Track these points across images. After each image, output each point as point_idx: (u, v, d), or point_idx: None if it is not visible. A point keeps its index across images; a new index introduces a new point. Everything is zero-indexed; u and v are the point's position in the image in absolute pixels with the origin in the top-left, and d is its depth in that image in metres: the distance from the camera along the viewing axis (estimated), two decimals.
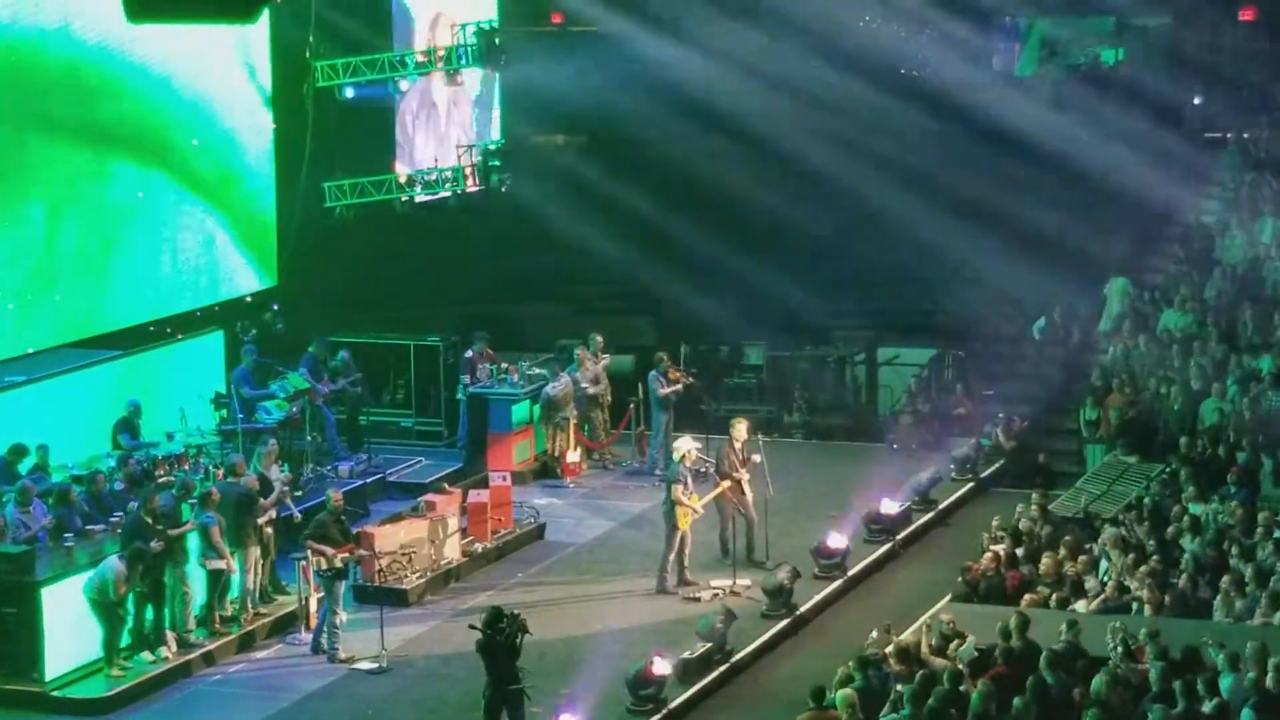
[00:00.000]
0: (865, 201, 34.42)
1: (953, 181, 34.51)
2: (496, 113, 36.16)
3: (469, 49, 33.45)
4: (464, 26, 33.58)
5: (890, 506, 27.01)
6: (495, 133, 35.92)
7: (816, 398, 33.97)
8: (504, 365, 30.79)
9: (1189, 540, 22.82)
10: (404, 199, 33.28)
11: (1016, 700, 17.65)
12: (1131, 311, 32.05)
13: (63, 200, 27.77)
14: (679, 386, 30.06)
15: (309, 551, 23.37)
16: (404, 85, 33.69)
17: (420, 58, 33.64)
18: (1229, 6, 39.92)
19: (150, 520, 22.62)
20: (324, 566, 23.17)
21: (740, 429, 26.06)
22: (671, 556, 25.07)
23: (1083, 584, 21.82)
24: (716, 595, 24.67)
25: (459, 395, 30.88)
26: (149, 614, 22.89)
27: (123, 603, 22.23)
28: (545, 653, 22.10)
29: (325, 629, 23.15)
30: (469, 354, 30.84)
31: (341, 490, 25.01)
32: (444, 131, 34.68)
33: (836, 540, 25.51)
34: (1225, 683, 18.11)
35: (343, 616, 23.19)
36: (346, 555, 23.37)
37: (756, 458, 25.82)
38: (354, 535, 24.19)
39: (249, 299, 31.67)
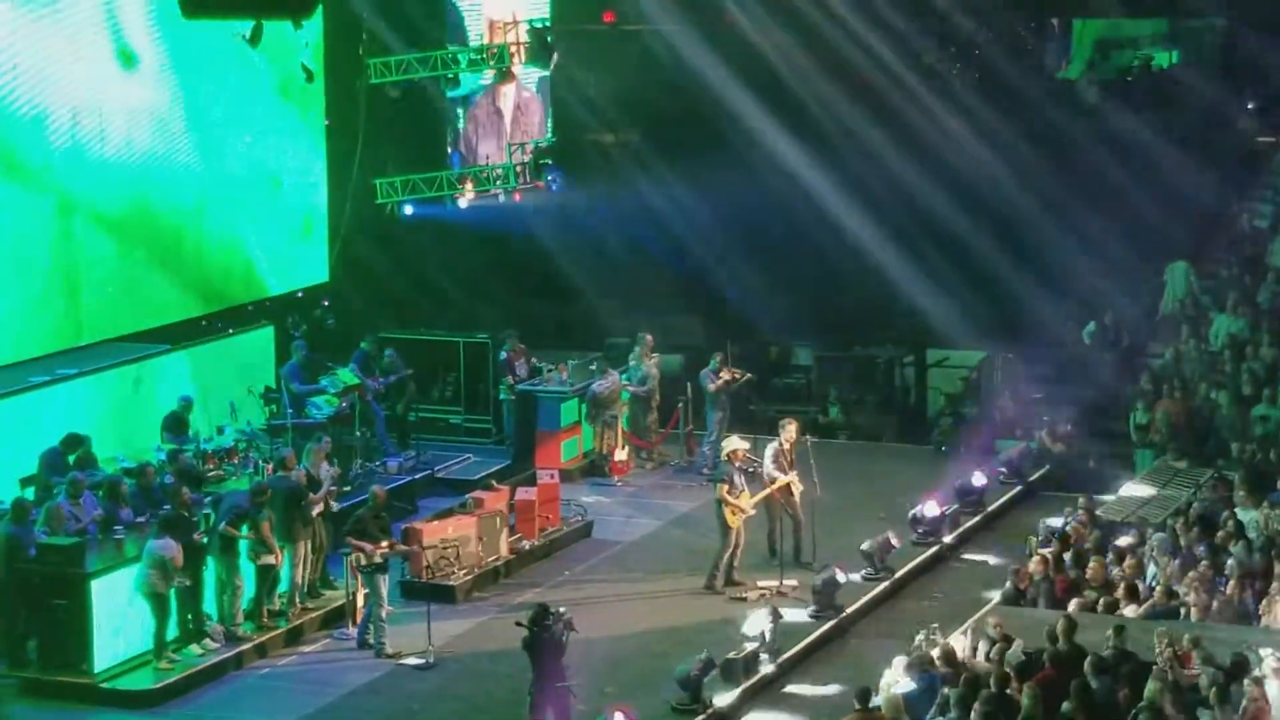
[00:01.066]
0: (918, 201, 34.35)
1: (1004, 183, 34.34)
2: (548, 111, 36.24)
3: (521, 47, 33.52)
4: (516, 25, 33.65)
5: (933, 509, 26.97)
6: (546, 131, 36.01)
7: (863, 398, 33.91)
8: (534, 361, 30.89)
9: (1236, 545, 22.72)
10: (455, 196, 33.39)
11: (1065, 705, 17.61)
12: (1184, 316, 31.93)
13: (114, 196, 27.94)
14: (723, 382, 29.97)
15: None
16: (464, 88, 33.84)
17: (472, 55, 33.74)
18: None
19: (186, 514, 22.77)
20: (363, 562, 23.26)
21: (790, 430, 26.07)
22: (726, 556, 25.08)
23: (1132, 588, 21.75)
24: (763, 595, 24.67)
25: (502, 396, 30.93)
26: (196, 606, 22.99)
27: (182, 574, 22.31)
28: (591, 651, 22.09)
29: (371, 624, 23.23)
30: (504, 355, 30.89)
31: (389, 486, 25.07)
32: (507, 134, 34.81)
33: (896, 538, 25.50)
34: (1270, 690, 18.05)
35: (389, 610, 23.28)
36: (386, 550, 23.43)
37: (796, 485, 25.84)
38: (393, 531, 24.16)
39: (300, 294, 31.80)
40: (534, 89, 35.89)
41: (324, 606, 24.22)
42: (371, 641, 23.14)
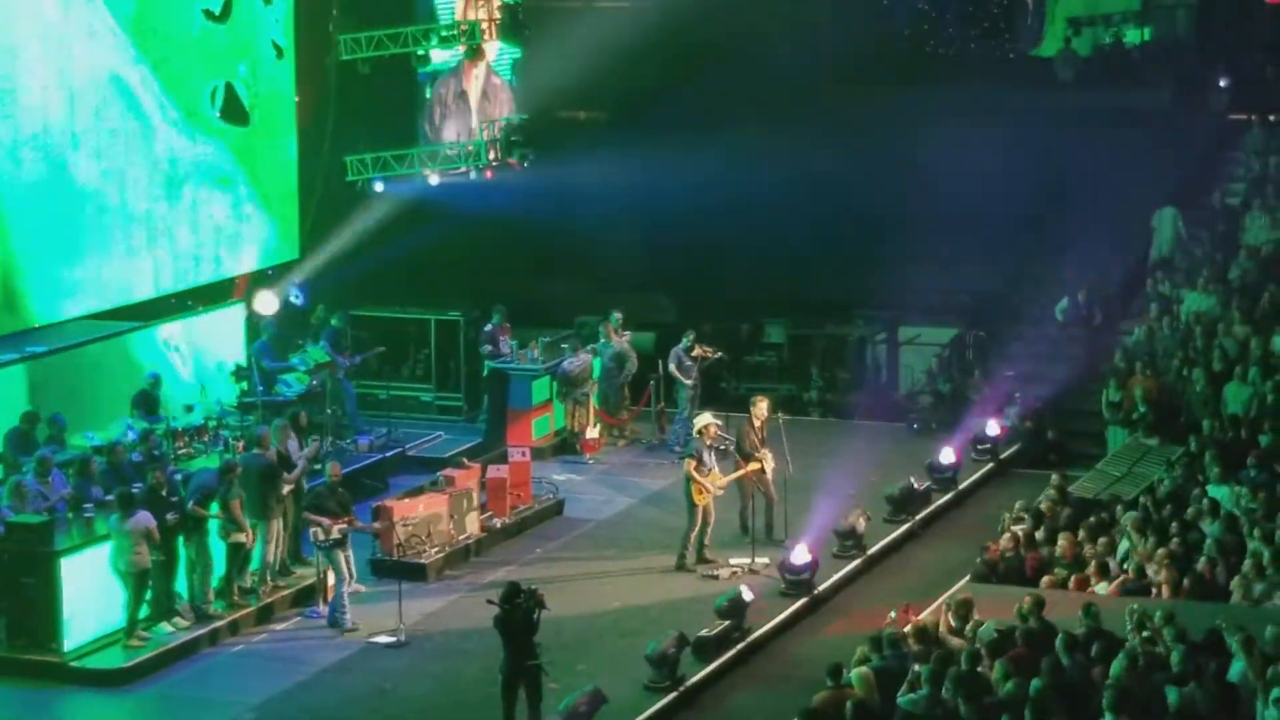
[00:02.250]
0: (890, 177, 34.28)
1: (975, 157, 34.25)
2: (515, 96, 36.12)
3: (493, 24, 33.37)
4: (489, 1, 33.54)
5: (909, 487, 26.98)
6: (517, 109, 35.88)
7: (836, 376, 33.91)
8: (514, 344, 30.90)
9: (1209, 523, 22.76)
10: (426, 172, 33.28)
11: (1036, 682, 17.60)
12: (1156, 295, 31.96)
13: (84, 172, 27.78)
14: (690, 364, 29.98)
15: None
16: (436, 57, 33.66)
17: (444, 32, 33.60)
18: None
19: (165, 494, 22.71)
20: (321, 538, 23.21)
21: (761, 407, 26.05)
22: (694, 533, 25.05)
23: (1103, 566, 21.77)
24: (735, 573, 24.66)
25: (484, 371, 30.86)
26: (168, 584, 22.92)
27: (161, 549, 22.28)
28: (562, 629, 22.10)
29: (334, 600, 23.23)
30: (489, 327, 30.87)
31: (361, 464, 24.99)
32: (472, 119, 34.67)
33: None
34: (1236, 668, 18.04)
35: (355, 588, 23.27)
36: (345, 526, 23.36)
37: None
38: (356, 509, 24.11)
39: (270, 272, 31.66)
40: (503, 76, 35.74)
41: (295, 585, 24.18)
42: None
